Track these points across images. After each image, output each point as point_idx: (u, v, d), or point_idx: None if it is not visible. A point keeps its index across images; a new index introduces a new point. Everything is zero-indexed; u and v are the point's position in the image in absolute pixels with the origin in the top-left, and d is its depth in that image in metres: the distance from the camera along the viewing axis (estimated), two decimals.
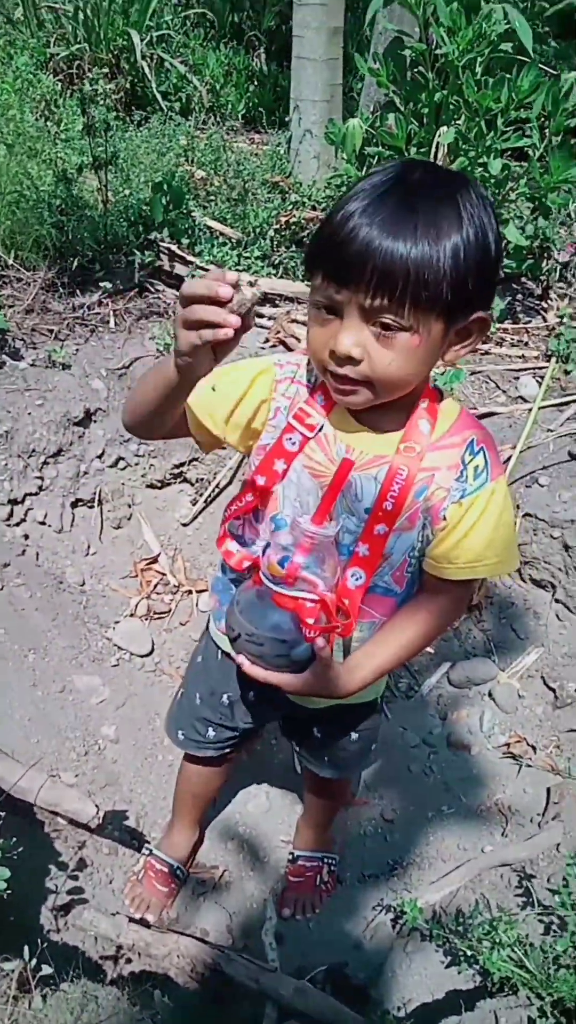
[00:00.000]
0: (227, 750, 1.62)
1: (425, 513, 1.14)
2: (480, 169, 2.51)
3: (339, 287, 0.97)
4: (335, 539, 1.13)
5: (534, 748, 2.18)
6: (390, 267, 0.93)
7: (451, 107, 2.58)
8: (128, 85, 4.46)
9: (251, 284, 0.88)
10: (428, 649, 2.43)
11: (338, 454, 1.13)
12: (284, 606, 1.12)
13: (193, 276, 2.79)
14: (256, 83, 4.83)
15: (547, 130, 2.57)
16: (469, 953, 1.55)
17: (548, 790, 2.08)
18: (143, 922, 1.83)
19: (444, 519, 1.13)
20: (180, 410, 1.13)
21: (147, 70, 4.31)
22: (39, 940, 1.36)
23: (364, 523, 1.14)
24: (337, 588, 1.15)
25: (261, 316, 2.77)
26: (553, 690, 2.26)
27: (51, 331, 2.61)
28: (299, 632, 1.12)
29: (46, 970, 1.27)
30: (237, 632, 1.15)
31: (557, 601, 2.35)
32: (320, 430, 1.13)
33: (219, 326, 0.87)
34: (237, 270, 2.81)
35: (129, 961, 1.79)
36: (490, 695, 2.30)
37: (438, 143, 2.54)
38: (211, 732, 1.57)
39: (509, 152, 2.57)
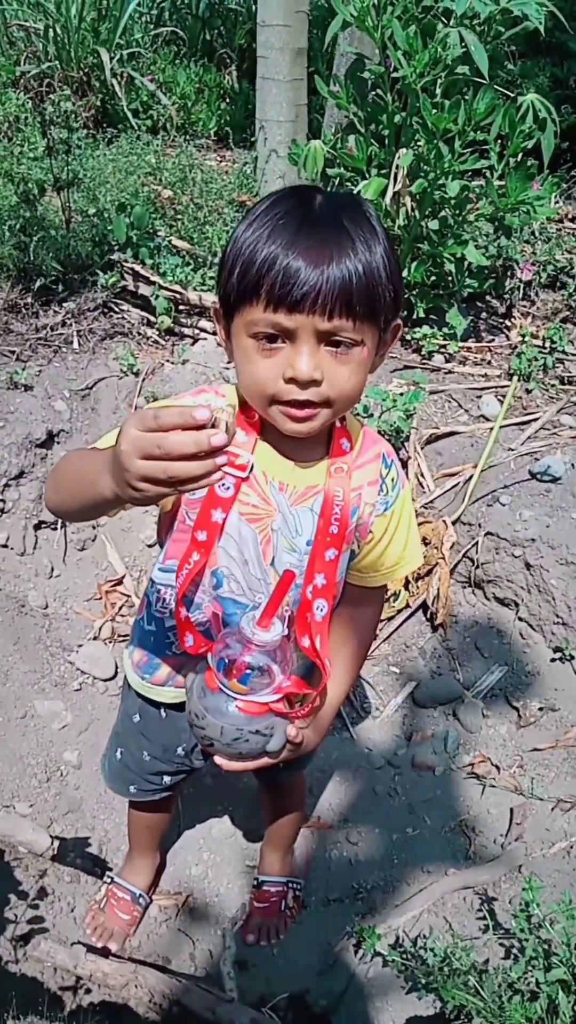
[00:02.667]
0: (175, 788, 1.61)
1: (357, 530, 1.17)
2: (439, 191, 2.53)
3: (290, 313, 0.95)
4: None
5: (498, 768, 2.18)
6: (346, 286, 0.94)
7: (411, 129, 2.60)
8: (99, 103, 4.48)
9: (226, 411, 0.76)
10: (393, 669, 2.43)
11: (272, 493, 1.12)
12: (252, 713, 1.09)
13: (157, 296, 2.79)
14: (227, 101, 4.86)
15: (505, 152, 2.60)
16: (426, 981, 1.54)
17: (511, 810, 2.08)
18: (105, 951, 1.81)
19: (371, 532, 1.19)
20: None
21: (117, 88, 4.33)
22: None
23: (308, 555, 1.14)
24: (292, 666, 1.13)
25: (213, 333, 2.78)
26: (517, 709, 2.27)
27: (13, 352, 2.60)
28: (272, 722, 1.11)
29: None
30: (215, 741, 1.11)
31: (520, 619, 2.36)
32: (251, 469, 1.11)
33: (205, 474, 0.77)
34: (201, 290, 2.83)
35: (88, 992, 1.77)
36: (455, 715, 2.30)
37: (397, 165, 2.56)
38: (167, 779, 1.55)
39: (469, 173, 2.59)
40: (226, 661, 1.09)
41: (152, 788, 1.58)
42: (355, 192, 1.02)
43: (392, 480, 1.17)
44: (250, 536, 1.14)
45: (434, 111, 2.42)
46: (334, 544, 1.13)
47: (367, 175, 2.74)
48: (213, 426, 0.75)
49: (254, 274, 0.96)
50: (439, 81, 2.54)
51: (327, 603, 1.15)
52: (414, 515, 1.24)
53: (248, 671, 1.07)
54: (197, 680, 1.14)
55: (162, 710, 1.44)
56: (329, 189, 2.91)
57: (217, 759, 1.16)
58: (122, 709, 1.57)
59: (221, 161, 4.20)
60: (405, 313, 2.90)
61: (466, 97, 2.52)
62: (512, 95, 2.68)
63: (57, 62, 4.42)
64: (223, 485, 1.11)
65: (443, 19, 2.62)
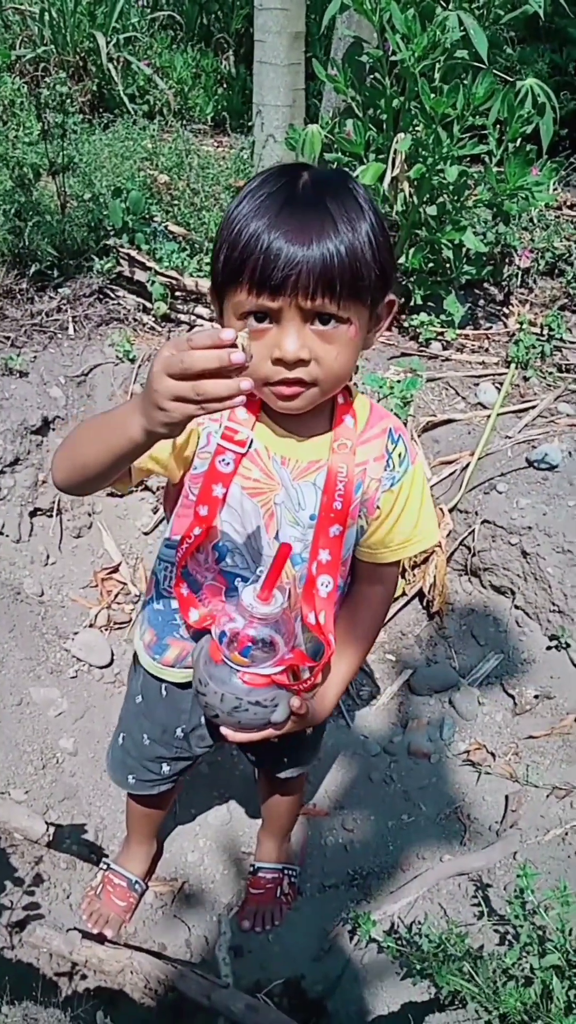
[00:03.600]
0: (181, 777, 1.60)
1: (362, 506, 1.17)
2: (438, 176, 2.51)
3: (273, 295, 0.96)
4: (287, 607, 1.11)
5: (493, 755, 2.18)
6: (327, 266, 0.94)
7: (409, 114, 2.57)
8: (95, 88, 4.44)
9: (246, 337, 0.81)
10: (389, 656, 2.43)
11: (275, 467, 1.12)
12: (256, 685, 1.10)
13: (153, 282, 2.77)
14: (224, 86, 4.82)
15: (504, 137, 2.58)
16: (421, 967, 1.55)
17: (506, 797, 2.08)
18: (100, 937, 1.81)
19: (379, 508, 1.18)
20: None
21: (113, 73, 4.29)
22: None
23: (312, 529, 1.14)
24: (296, 638, 1.15)
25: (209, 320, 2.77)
26: (512, 697, 2.27)
27: (8, 338, 2.58)
28: (276, 688, 1.12)
29: None
30: (218, 711, 1.13)
31: (516, 607, 2.35)
32: (251, 445, 1.12)
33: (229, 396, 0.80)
34: (197, 276, 2.81)
35: (84, 978, 1.78)
36: (451, 702, 2.30)
37: (395, 150, 2.54)
38: (165, 768, 1.54)
39: (467, 159, 2.58)
40: (228, 634, 1.10)
41: (150, 779, 1.57)
42: (344, 169, 1.01)
43: (399, 456, 1.17)
44: (252, 510, 1.14)
45: (432, 95, 2.40)
46: (338, 520, 1.13)
47: (365, 160, 2.72)
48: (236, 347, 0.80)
49: (237, 257, 0.97)
50: (438, 65, 2.51)
51: (332, 579, 1.16)
52: (427, 492, 1.22)
53: (250, 644, 1.08)
54: (203, 650, 1.16)
55: (163, 688, 1.44)
56: None
57: (223, 730, 1.17)
58: (127, 692, 1.59)
59: (218, 146, 4.16)
60: (403, 300, 2.89)
61: (465, 81, 2.49)
62: (511, 80, 2.66)
63: (53, 46, 4.38)
64: (223, 460, 1.12)
65: (442, 2, 2.60)
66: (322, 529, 1.13)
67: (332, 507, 1.12)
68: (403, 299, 2.88)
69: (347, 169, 2.81)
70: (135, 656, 1.49)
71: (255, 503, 1.14)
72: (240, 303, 0.99)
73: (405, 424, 2.48)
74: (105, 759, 1.69)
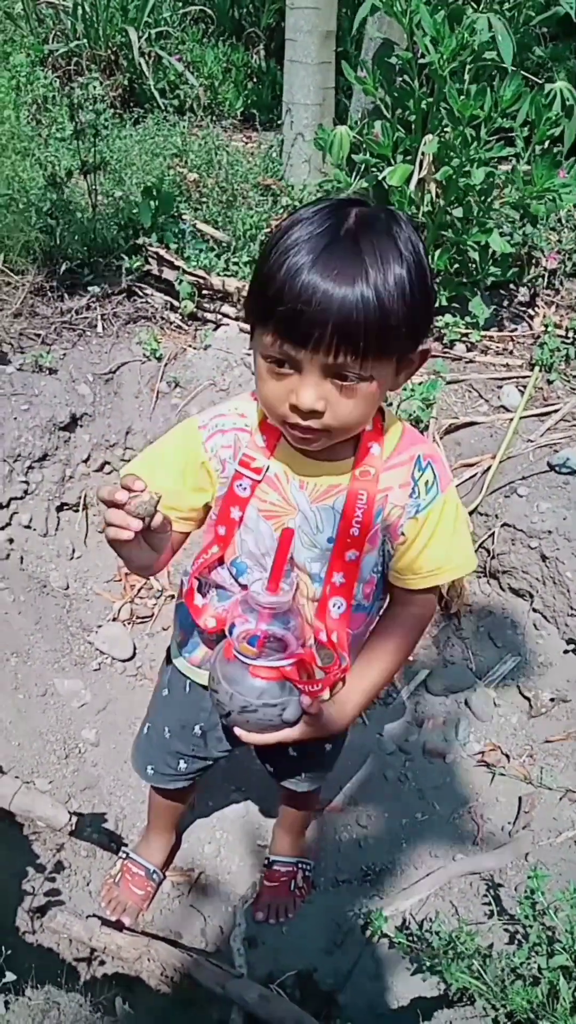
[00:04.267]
0: (198, 777, 1.64)
1: (384, 532, 1.18)
2: (465, 178, 2.52)
3: (297, 347, 0.96)
4: (293, 598, 1.14)
5: (508, 757, 2.20)
6: (351, 328, 0.93)
7: (437, 115, 2.58)
8: (126, 82, 4.47)
9: (150, 495, 0.96)
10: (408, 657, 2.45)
11: (292, 492, 1.15)
12: (266, 678, 1.13)
13: (181, 281, 2.81)
14: (255, 80, 4.83)
15: (531, 139, 2.58)
16: (431, 963, 1.58)
17: (520, 799, 2.10)
18: (119, 924, 1.86)
19: (403, 535, 1.18)
20: (169, 542, 1.12)
21: (145, 67, 4.32)
22: (5, 947, 1.39)
23: (330, 551, 1.16)
24: (305, 638, 1.17)
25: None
26: (528, 699, 2.29)
27: (38, 335, 2.63)
28: (286, 692, 1.14)
29: (9, 976, 1.30)
30: (229, 708, 1.16)
31: (534, 611, 2.37)
32: (267, 471, 1.15)
33: (123, 528, 0.96)
34: (224, 275, 2.84)
35: (102, 963, 1.83)
36: (466, 703, 2.32)
37: (423, 152, 2.55)
38: (182, 764, 1.58)
39: (495, 160, 2.57)
40: (240, 630, 1.13)
41: (168, 773, 1.61)
42: (393, 209, 0.99)
43: (426, 484, 1.15)
44: (267, 532, 1.18)
45: (460, 98, 2.40)
46: (355, 546, 1.14)
47: (393, 161, 2.73)
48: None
49: (265, 304, 0.98)
50: (467, 67, 2.51)
51: (344, 601, 1.18)
52: (463, 520, 1.20)
53: (256, 636, 1.11)
54: (220, 650, 1.20)
55: (188, 685, 1.48)
56: (353, 175, 2.90)
57: (236, 730, 1.20)
58: (156, 684, 1.64)
59: (247, 142, 4.18)
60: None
61: (493, 84, 2.50)
62: (540, 81, 2.65)
63: (85, 40, 4.41)
64: (240, 485, 1.16)
65: (472, 4, 2.60)
66: (339, 553, 1.15)
67: (349, 532, 1.13)
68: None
69: (372, 174, 2.82)
70: (168, 651, 1.54)
71: (270, 525, 1.17)
72: (266, 345, 1.00)
73: (427, 427, 2.50)
74: (131, 748, 1.74)
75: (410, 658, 2.41)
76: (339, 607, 1.18)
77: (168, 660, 1.54)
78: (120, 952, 1.74)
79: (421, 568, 1.19)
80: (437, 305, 2.80)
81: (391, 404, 2.47)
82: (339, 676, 1.20)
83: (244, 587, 1.23)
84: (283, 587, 1.11)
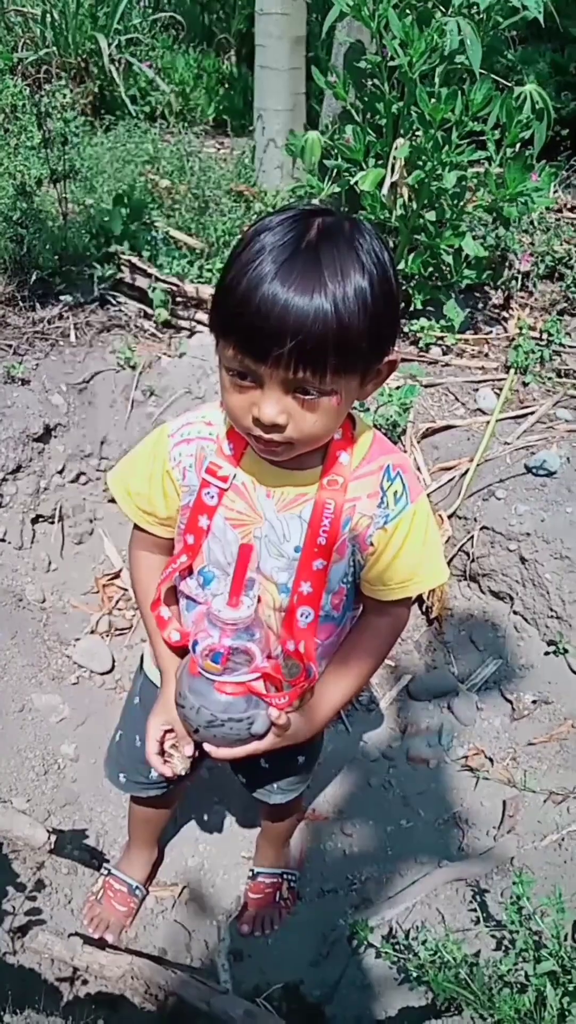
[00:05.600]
0: (171, 787, 1.62)
1: (352, 542, 1.16)
2: (437, 182, 2.52)
3: (257, 362, 0.95)
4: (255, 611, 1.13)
5: (492, 760, 2.20)
6: (310, 344, 0.92)
7: (408, 119, 2.58)
8: (96, 89, 4.45)
9: (188, 757, 1.25)
10: (388, 662, 2.45)
11: (259, 500, 1.14)
12: (232, 694, 1.12)
13: (154, 288, 2.78)
14: (226, 86, 4.82)
15: (503, 142, 2.58)
16: (417, 973, 1.57)
17: (504, 803, 2.10)
18: (101, 942, 1.84)
19: (372, 545, 1.16)
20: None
21: (115, 74, 4.30)
22: None
23: (297, 561, 1.15)
24: (271, 649, 1.17)
25: None
26: (511, 702, 2.28)
27: (10, 346, 2.60)
28: (253, 706, 1.13)
29: None
30: (196, 724, 1.14)
31: (515, 613, 2.37)
32: (234, 479, 1.14)
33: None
34: (198, 282, 2.82)
35: (85, 983, 1.80)
36: (449, 708, 2.31)
37: (394, 156, 2.54)
38: (153, 774, 1.56)
39: (467, 163, 2.58)
40: (204, 645, 1.12)
41: (140, 781, 1.60)
42: (357, 219, 0.97)
43: (395, 494, 1.14)
44: (233, 540, 1.16)
45: (431, 101, 2.40)
46: (322, 555, 1.13)
47: (364, 165, 2.72)
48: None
49: (226, 316, 0.97)
50: (436, 71, 2.51)
51: (312, 610, 1.17)
52: (433, 531, 1.19)
53: (219, 651, 1.10)
54: (183, 666, 1.18)
55: (158, 693, 1.46)
56: (325, 180, 2.90)
57: (205, 746, 1.19)
58: (129, 692, 1.63)
59: (219, 148, 4.17)
60: (403, 305, 2.89)
61: (463, 87, 2.50)
62: (511, 84, 2.66)
63: (55, 48, 4.39)
64: (208, 493, 1.16)
65: (441, 7, 2.60)
66: (305, 562, 1.14)
67: (316, 541, 1.12)
68: (403, 304, 2.89)
69: (344, 179, 2.82)
70: (141, 659, 1.53)
71: (237, 534, 1.16)
72: (227, 358, 0.99)
73: (404, 431, 2.50)
74: (104, 756, 1.72)
75: (391, 663, 2.41)
76: (307, 617, 1.17)
77: (140, 668, 1.53)
78: (103, 971, 1.71)
79: (391, 580, 1.18)
80: (412, 309, 2.82)
81: (367, 409, 2.46)
82: (307, 687, 1.18)
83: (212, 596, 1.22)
84: (243, 601, 1.09)
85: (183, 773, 1.26)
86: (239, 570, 1.07)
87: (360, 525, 1.15)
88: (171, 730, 1.28)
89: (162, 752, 1.31)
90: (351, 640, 1.27)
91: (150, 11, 5.11)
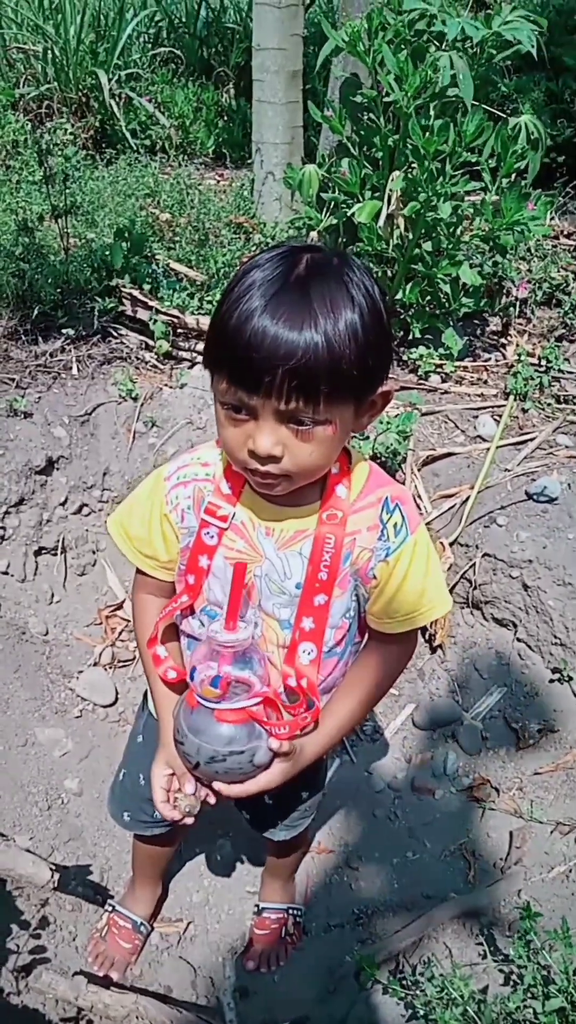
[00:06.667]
0: (174, 825, 1.61)
1: (354, 576, 1.17)
2: (433, 212, 2.54)
3: (249, 393, 0.97)
4: (252, 637, 1.14)
5: (497, 791, 2.18)
6: (300, 374, 0.93)
7: (404, 152, 2.61)
8: (97, 124, 4.51)
9: (189, 795, 1.23)
10: (392, 691, 2.44)
11: (259, 538, 1.15)
12: (231, 721, 1.11)
13: (155, 320, 2.81)
14: (225, 119, 4.89)
15: (498, 172, 2.61)
16: (424, 1011, 1.55)
17: (511, 834, 2.08)
18: (106, 980, 1.82)
19: (374, 578, 1.16)
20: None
21: (116, 109, 4.37)
22: None
23: (299, 597, 1.15)
24: (271, 682, 1.16)
25: None
26: (516, 731, 2.27)
27: (12, 380, 2.62)
28: (254, 737, 1.13)
29: None
30: (197, 760, 1.14)
31: (519, 640, 2.36)
32: (233, 518, 1.15)
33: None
34: (199, 314, 2.85)
35: (90, 1023, 1.78)
36: (454, 737, 2.30)
37: (390, 188, 2.57)
38: (157, 813, 1.56)
39: (462, 193, 2.61)
40: (203, 675, 1.12)
41: (144, 820, 1.59)
42: (346, 254, 0.99)
43: (395, 526, 1.14)
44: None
45: (424, 134, 2.43)
46: (323, 590, 1.14)
47: (361, 198, 2.75)
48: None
49: (218, 350, 0.98)
50: (431, 104, 2.55)
51: (315, 647, 1.17)
52: (434, 561, 1.19)
53: (216, 677, 1.10)
54: (181, 703, 1.18)
55: None
56: (322, 212, 2.93)
57: (216, 785, 1.18)
58: (132, 730, 1.63)
59: (219, 180, 4.23)
60: (401, 333, 2.91)
61: (456, 119, 2.53)
62: (506, 114, 2.70)
63: (56, 84, 4.46)
64: (207, 533, 1.16)
65: (435, 42, 2.64)
66: (307, 598, 1.14)
67: (317, 577, 1.12)
68: (401, 332, 2.91)
69: (341, 211, 2.85)
70: (144, 696, 1.52)
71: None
72: (221, 391, 1.00)
73: (404, 459, 2.51)
74: (107, 794, 1.71)
75: (395, 692, 2.40)
76: (309, 653, 1.17)
77: (144, 706, 1.53)
78: (108, 1011, 1.70)
79: (397, 612, 1.18)
80: (411, 337, 2.84)
81: (367, 437, 2.48)
82: (309, 721, 1.18)
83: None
84: (240, 625, 1.10)
85: (193, 815, 1.24)
86: (235, 590, 1.07)
87: (361, 559, 1.15)
88: (173, 773, 1.28)
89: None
90: (358, 667, 1.27)
91: (149, 46, 5.20)
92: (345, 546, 1.13)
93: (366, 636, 1.28)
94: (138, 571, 1.31)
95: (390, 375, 1.09)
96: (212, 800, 1.24)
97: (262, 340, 0.93)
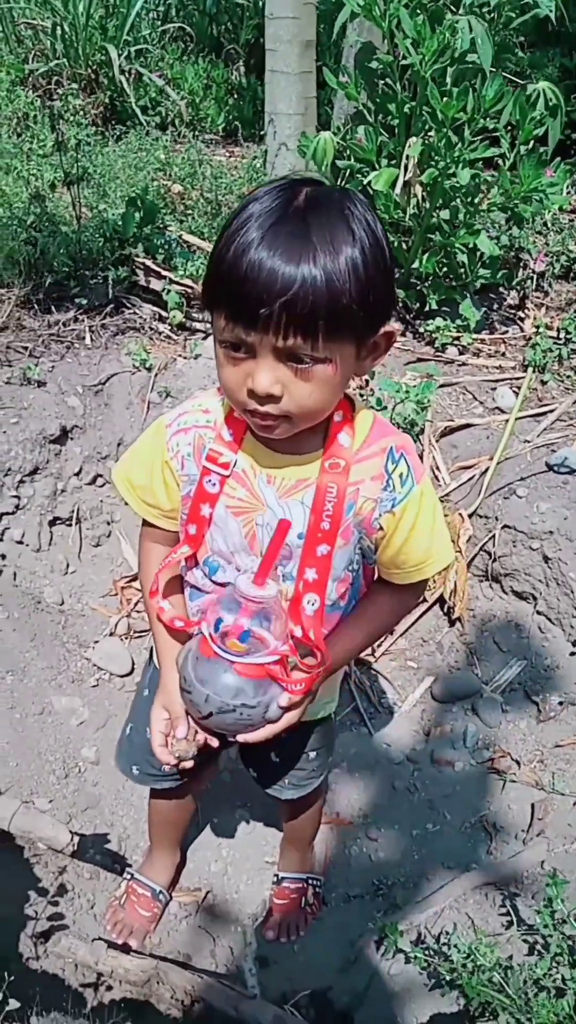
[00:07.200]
0: (186, 778, 1.59)
1: (358, 527, 1.14)
2: (450, 180, 2.51)
3: (247, 329, 0.94)
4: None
5: (518, 763, 2.16)
6: (298, 308, 0.90)
7: (420, 118, 2.57)
8: (107, 100, 4.47)
9: (181, 739, 1.23)
10: (410, 663, 2.41)
11: (260, 487, 1.12)
12: (249, 675, 1.10)
13: (168, 291, 2.78)
14: (235, 96, 4.84)
15: (516, 140, 2.57)
16: (450, 978, 1.53)
17: (532, 806, 2.06)
18: (125, 947, 1.80)
19: (380, 529, 1.14)
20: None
21: (125, 85, 4.32)
22: (8, 973, 1.33)
23: (301, 548, 1.13)
24: (289, 634, 1.14)
25: None
26: (536, 703, 2.24)
27: (26, 348, 2.59)
28: (263, 691, 1.11)
29: (13, 1004, 1.24)
30: (206, 711, 1.12)
31: (539, 613, 2.33)
32: (234, 465, 1.12)
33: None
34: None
35: (109, 989, 1.77)
36: (473, 709, 2.28)
37: (407, 155, 2.53)
38: (165, 767, 1.54)
39: (479, 162, 2.57)
40: (222, 626, 1.10)
41: (152, 774, 1.57)
42: (347, 188, 0.96)
43: (401, 476, 1.12)
44: (235, 529, 1.15)
45: (443, 99, 2.39)
46: (326, 540, 1.11)
47: (377, 165, 2.71)
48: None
49: (215, 287, 0.96)
50: (448, 69, 2.51)
51: (319, 597, 1.14)
52: (439, 511, 1.18)
53: (245, 632, 1.08)
54: (191, 650, 1.16)
55: None
56: (338, 181, 2.90)
57: (241, 738, 1.16)
58: (139, 685, 1.61)
59: (230, 156, 4.18)
60: (418, 305, 2.88)
61: (475, 85, 2.49)
62: (522, 83, 2.65)
63: (65, 60, 4.42)
64: (209, 481, 1.14)
65: (451, 7, 2.60)
66: (309, 548, 1.11)
67: (319, 526, 1.10)
68: (418, 304, 2.88)
69: (357, 180, 2.81)
70: (150, 651, 1.50)
71: (238, 522, 1.14)
72: (220, 329, 0.98)
73: (422, 431, 2.47)
74: (115, 749, 1.69)
75: (414, 664, 2.38)
76: (313, 604, 1.15)
77: (150, 660, 1.51)
78: (128, 975, 1.68)
79: (406, 563, 1.17)
80: (427, 309, 2.80)
81: (384, 407, 2.44)
82: (321, 673, 1.15)
83: (219, 585, 1.20)
84: (269, 583, 1.08)
85: (187, 760, 1.23)
86: (273, 547, 1.05)
87: (365, 509, 1.13)
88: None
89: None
90: (366, 605, 1.25)
91: (159, 22, 5.15)
92: (348, 496, 1.11)
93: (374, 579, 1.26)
94: (144, 521, 1.29)
95: (393, 315, 1.06)
96: (215, 743, 1.23)
97: (258, 273, 0.90)
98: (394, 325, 1.04)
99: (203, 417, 1.16)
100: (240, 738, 1.16)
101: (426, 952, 1.69)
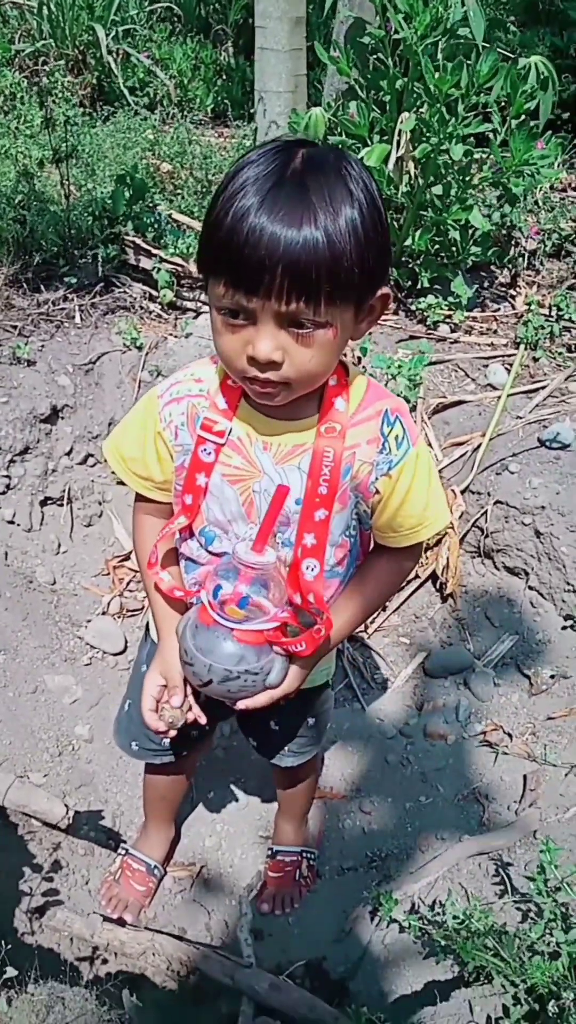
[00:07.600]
0: (184, 753, 1.60)
1: (354, 491, 1.14)
2: (443, 155, 2.50)
3: (248, 295, 0.93)
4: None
5: (510, 736, 2.17)
6: (301, 272, 0.90)
7: (412, 93, 2.56)
8: (94, 80, 4.44)
9: (175, 708, 1.24)
10: (403, 639, 2.42)
11: (256, 454, 1.12)
12: (249, 642, 1.10)
13: (158, 270, 2.76)
14: (224, 77, 4.81)
15: (507, 114, 2.56)
16: (444, 943, 1.54)
17: (524, 777, 2.07)
18: (120, 922, 1.81)
19: (377, 492, 1.15)
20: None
21: (113, 65, 4.29)
22: (5, 943, 1.34)
23: (299, 514, 1.13)
24: (288, 601, 1.14)
25: None
26: (528, 677, 2.25)
27: (15, 327, 2.58)
28: (264, 656, 1.12)
29: (10, 972, 1.24)
30: (208, 679, 1.12)
31: (530, 588, 2.34)
32: (230, 433, 1.12)
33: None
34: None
35: (105, 962, 1.77)
36: (466, 684, 2.29)
37: (400, 130, 2.52)
38: (165, 739, 1.54)
39: (471, 137, 2.56)
40: (220, 593, 1.10)
41: (152, 748, 1.57)
42: (342, 149, 0.96)
43: (397, 438, 1.12)
44: (232, 497, 1.14)
45: (436, 74, 2.38)
46: (324, 504, 1.11)
47: (369, 141, 2.70)
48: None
49: (214, 252, 0.94)
50: (440, 44, 2.49)
51: (318, 562, 1.14)
52: (435, 473, 1.18)
53: (244, 598, 1.08)
54: (189, 619, 1.16)
55: None
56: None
57: (240, 706, 1.17)
58: (135, 661, 1.60)
59: (219, 137, 4.16)
60: (409, 283, 2.87)
61: (468, 60, 2.48)
62: (515, 57, 2.64)
63: (52, 40, 4.38)
64: (204, 450, 1.13)
65: None
66: (307, 513, 1.11)
67: (317, 491, 1.10)
68: (410, 282, 2.87)
69: (349, 149, 2.80)
70: (147, 627, 1.50)
71: (235, 490, 1.14)
72: (218, 296, 0.96)
73: (415, 407, 2.47)
74: (113, 725, 1.69)
75: (407, 640, 2.39)
76: (312, 569, 1.14)
77: (146, 635, 1.51)
78: (123, 948, 1.69)
79: (402, 526, 1.18)
80: (419, 286, 2.79)
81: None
82: (324, 634, 1.16)
83: (216, 555, 1.20)
84: (267, 549, 1.08)
85: (176, 728, 1.24)
86: (271, 513, 1.05)
87: (361, 472, 1.13)
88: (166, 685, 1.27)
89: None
90: (364, 572, 1.26)
91: (147, 2, 5.10)
92: (344, 460, 1.11)
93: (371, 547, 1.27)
94: (136, 495, 1.28)
95: (388, 277, 1.06)
96: (203, 720, 1.25)
97: (260, 238, 0.89)
98: (389, 287, 1.03)
99: (196, 386, 1.15)
100: (240, 705, 1.16)
101: (420, 920, 1.70)
